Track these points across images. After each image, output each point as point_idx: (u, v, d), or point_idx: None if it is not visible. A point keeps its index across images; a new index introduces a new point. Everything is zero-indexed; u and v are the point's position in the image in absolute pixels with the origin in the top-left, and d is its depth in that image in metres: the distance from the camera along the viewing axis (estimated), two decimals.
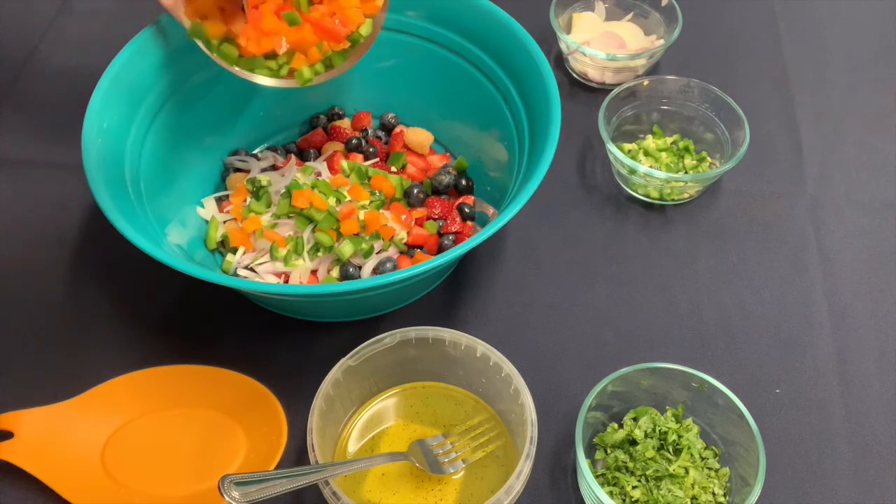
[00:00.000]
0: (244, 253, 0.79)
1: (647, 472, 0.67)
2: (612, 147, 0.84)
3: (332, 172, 0.84)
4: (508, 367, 0.66)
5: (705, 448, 0.69)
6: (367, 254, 0.78)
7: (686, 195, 0.87)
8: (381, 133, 0.90)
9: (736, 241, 0.85)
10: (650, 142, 0.91)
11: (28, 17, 1.05)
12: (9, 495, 0.69)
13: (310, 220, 0.78)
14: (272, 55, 0.71)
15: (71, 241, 0.84)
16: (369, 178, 0.82)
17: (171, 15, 0.77)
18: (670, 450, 0.68)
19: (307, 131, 0.91)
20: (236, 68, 0.72)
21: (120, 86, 0.75)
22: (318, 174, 0.83)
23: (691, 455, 0.67)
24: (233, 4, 0.71)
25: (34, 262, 0.83)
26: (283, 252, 0.77)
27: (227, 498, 0.57)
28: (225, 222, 0.82)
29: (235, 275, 0.78)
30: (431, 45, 0.84)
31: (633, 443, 0.69)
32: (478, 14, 0.80)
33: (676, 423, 0.69)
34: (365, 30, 0.72)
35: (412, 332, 0.68)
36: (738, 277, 0.82)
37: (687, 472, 0.66)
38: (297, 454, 0.71)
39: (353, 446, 0.70)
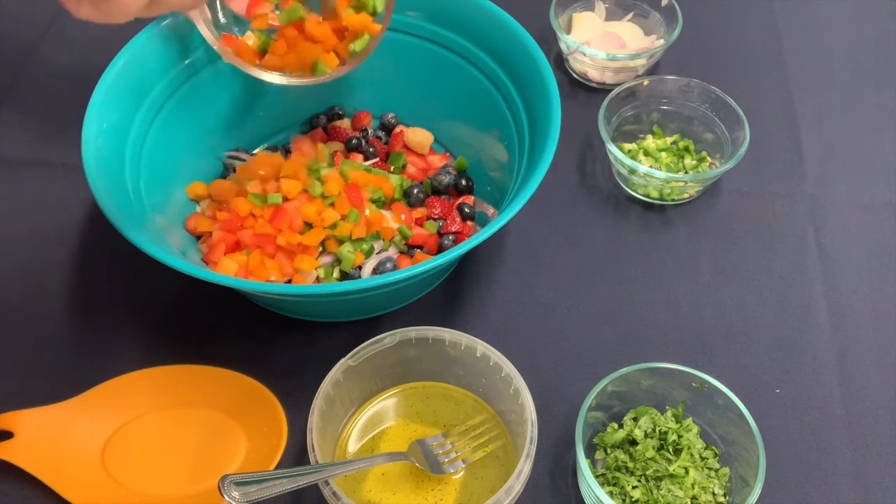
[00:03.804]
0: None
1: (647, 472, 0.67)
2: (612, 147, 0.84)
3: None
4: (508, 367, 0.66)
5: (705, 448, 0.69)
6: (368, 254, 0.78)
7: (686, 195, 0.87)
8: (381, 133, 0.90)
9: (736, 241, 0.85)
10: (650, 142, 0.91)
11: (28, 17, 1.05)
12: (9, 495, 0.69)
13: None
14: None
15: (71, 241, 0.84)
16: None
17: (171, 16, 0.77)
18: (670, 450, 0.68)
19: (307, 131, 0.91)
20: (250, 68, 0.76)
21: (120, 86, 0.75)
22: None
23: (691, 455, 0.67)
24: None
25: (34, 262, 0.83)
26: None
27: (227, 498, 0.57)
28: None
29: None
30: (431, 45, 0.84)
31: (633, 443, 0.69)
32: (478, 14, 0.80)
33: (676, 423, 0.69)
34: (359, 45, 0.76)
35: (412, 332, 0.68)
36: (738, 277, 0.82)
37: (687, 472, 0.66)
38: (297, 454, 0.71)
39: (353, 446, 0.70)
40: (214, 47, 0.76)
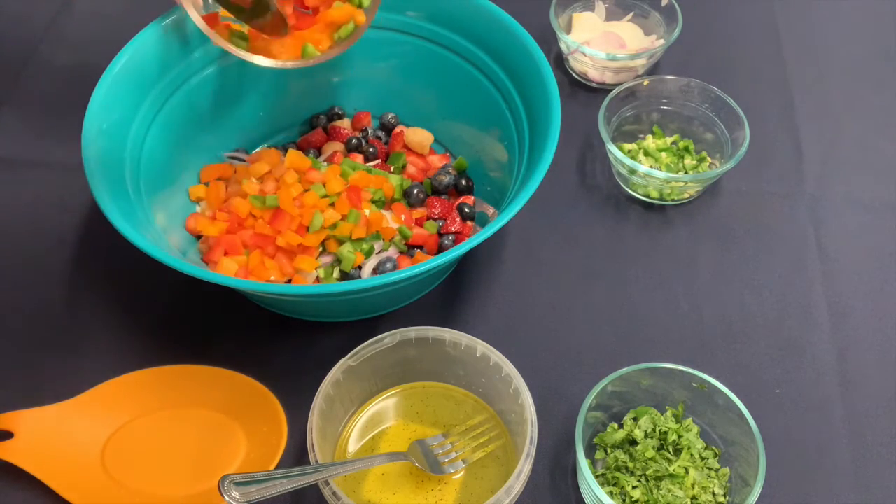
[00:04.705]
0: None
1: (647, 472, 0.67)
2: (612, 147, 0.84)
3: None
4: (508, 367, 0.66)
5: (705, 448, 0.69)
6: (368, 254, 0.78)
7: (686, 195, 0.87)
8: (381, 133, 0.90)
9: (736, 241, 0.85)
10: (650, 142, 0.91)
11: (28, 17, 1.05)
12: (9, 495, 0.69)
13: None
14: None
15: (71, 241, 0.84)
16: None
17: (171, 15, 0.77)
18: (670, 450, 0.68)
19: (307, 131, 0.91)
20: (240, 52, 0.75)
21: (120, 86, 0.75)
22: None
23: (691, 455, 0.67)
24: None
25: (34, 262, 0.83)
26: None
27: (227, 498, 0.57)
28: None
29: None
30: (431, 45, 0.84)
31: (633, 443, 0.69)
32: (478, 14, 0.80)
33: (676, 423, 0.69)
34: (345, 31, 0.75)
35: (412, 332, 0.68)
36: (738, 277, 0.82)
37: (687, 472, 0.66)
38: (297, 454, 0.71)
39: (353, 446, 0.70)
40: (203, 30, 0.75)
